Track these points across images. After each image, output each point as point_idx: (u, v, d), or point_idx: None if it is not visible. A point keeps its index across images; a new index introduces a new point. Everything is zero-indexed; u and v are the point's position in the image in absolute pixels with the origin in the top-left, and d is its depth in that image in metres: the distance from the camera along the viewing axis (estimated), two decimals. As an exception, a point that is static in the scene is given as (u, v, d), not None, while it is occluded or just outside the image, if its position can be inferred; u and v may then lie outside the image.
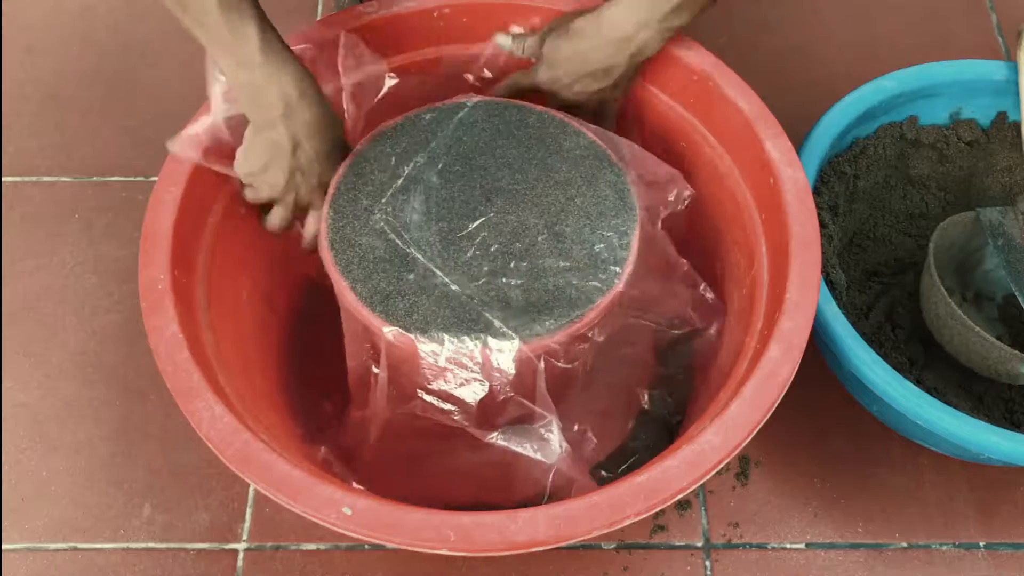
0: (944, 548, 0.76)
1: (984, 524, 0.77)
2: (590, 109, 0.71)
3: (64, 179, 0.96)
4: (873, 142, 0.81)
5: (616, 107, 0.72)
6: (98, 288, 0.89)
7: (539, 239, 0.64)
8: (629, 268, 0.63)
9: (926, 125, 0.82)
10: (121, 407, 0.82)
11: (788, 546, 0.76)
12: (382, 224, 0.64)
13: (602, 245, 0.63)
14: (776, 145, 0.65)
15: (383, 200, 0.65)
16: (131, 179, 0.96)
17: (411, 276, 0.62)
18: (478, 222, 0.64)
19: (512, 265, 0.63)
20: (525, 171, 0.66)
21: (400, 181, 0.66)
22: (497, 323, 0.59)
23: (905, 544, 0.76)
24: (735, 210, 0.70)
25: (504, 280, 0.62)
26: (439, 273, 0.62)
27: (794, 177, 0.64)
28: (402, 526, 0.51)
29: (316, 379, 0.79)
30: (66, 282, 0.89)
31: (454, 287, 0.62)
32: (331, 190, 0.65)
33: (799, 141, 0.74)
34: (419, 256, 0.63)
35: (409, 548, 0.51)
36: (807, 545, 0.76)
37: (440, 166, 0.67)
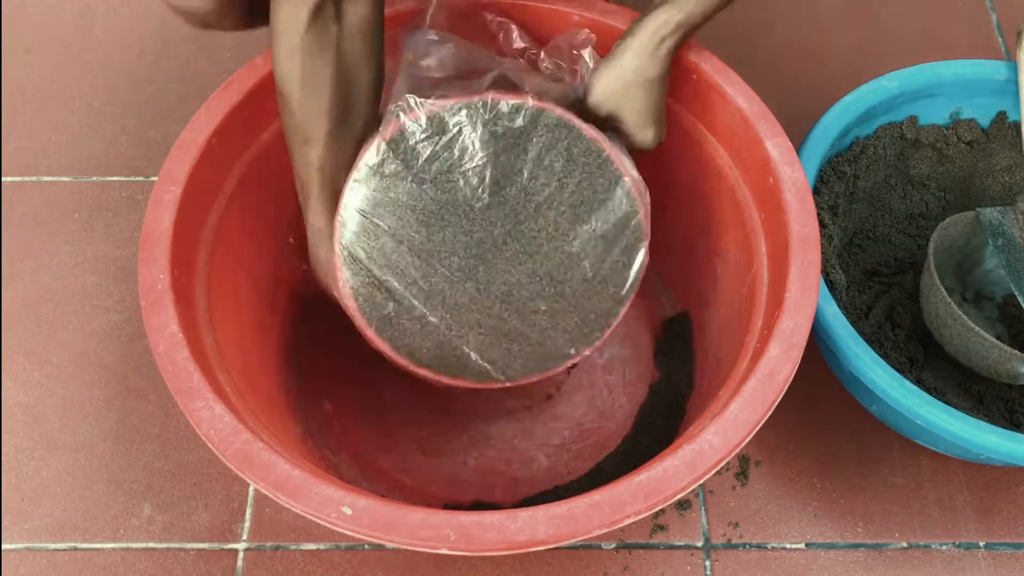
0: (944, 548, 0.76)
1: (984, 524, 0.77)
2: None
3: (64, 179, 0.96)
4: (873, 142, 0.81)
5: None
6: (98, 288, 0.89)
7: (541, 283, 0.66)
8: (617, 319, 0.69)
9: (926, 125, 0.82)
10: (121, 407, 0.82)
11: (788, 546, 0.76)
12: (392, 245, 0.63)
13: (598, 299, 0.67)
14: (776, 144, 0.65)
15: (396, 218, 0.62)
16: (131, 179, 0.96)
17: (407, 303, 0.64)
18: (483, 258, 0.64)
19: (508, 305, 0.66)
20: (541, 203, 0.64)
21: (419, 202, 0.62)
22: (480, 369, 0.68)
23: (905, 544, 0.76)
24: (735, 209, 0.70)
25: (496, 322, 0.66)
26: (436, 309, 0.65)
27: (794, 176, 0.64)
28: (402, 525, 0.51)
29: (316, 379, 0.80)
30: (66, 282, 0.89)
31: (446, 326, 0.65)
32: (342, 199, 0.62)
33: (799, 141, 0.75)
34: (418, 287, 0.64)
35: (409, 547, 0.51)
36: (807, 545, 0.76)
37: (459, 186, 0.63)
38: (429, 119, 0.60)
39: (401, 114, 0.60)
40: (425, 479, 0.76)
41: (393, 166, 0.60)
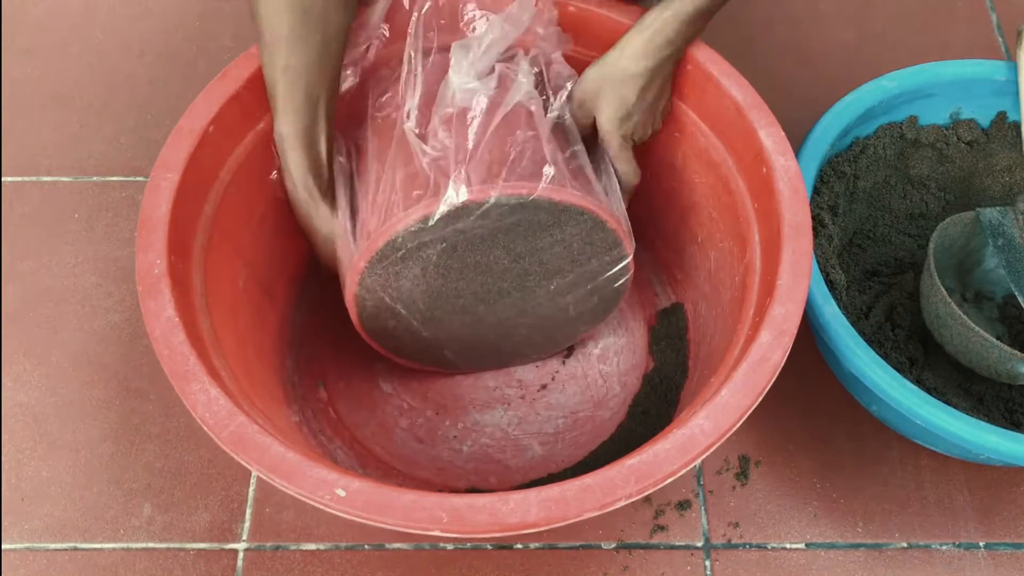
0: (944, 548, 0.76)
1: (984, 524, 0.77)
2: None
3: (64, 179, 0.96)
4: (873, 142, 0.81)
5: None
6: (98, 288, 0.89)
7: (527, 317, 0.73)
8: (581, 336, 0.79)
9: (926, 125, 0.82)
10: (121, 407, 0.82)
11: (788, 546, 0.76)
12: (410, 286, 0.66)
13: (571, 327, 0.76)
14: (769, 134, 0.66)
15: (421, 269, 0.65)
16: (131, 179, 0.96)
17: (406, 322, 0.70)
18: (485, 300, 0.70)
19: (493, 330, 0.73)
20: (551, 270, 0.68)
21: (446, 261, 0.65)
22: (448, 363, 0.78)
23: (905, 544, 0.76)
24: (728, 199, 0.71)
25: (478, 339, 0.74)
26: (430, 328, 0.71)
27: (786, 166, 0.64)
28: (395, 507, 0.51)
29: (312, 367, 0.80)
30: (66, 282, 0.89)
31: (435, 338, 0.73)
32: (378, 243, 0.63)
33: (799, 141, 0.75)
34: (421, 314, 0.69)
35: (402, 529, 0.51)
36: (807, 545, 0.76)
37: (487, 254, 0.66)
38: (475, 202, 0.60)
39: (453, 195, 0.60)
40: (420, 467, 0.77)
41: (430, 236, 0.62)
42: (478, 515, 0.51)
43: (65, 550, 0.76)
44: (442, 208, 0.60)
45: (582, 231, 0.65)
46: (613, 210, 0.66)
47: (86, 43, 1.06)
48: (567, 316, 0.74)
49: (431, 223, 0.61)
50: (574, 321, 0.75)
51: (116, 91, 1.02)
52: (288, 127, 0.64)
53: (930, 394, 0.68)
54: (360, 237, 0.65)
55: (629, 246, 0.68)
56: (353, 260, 0.64)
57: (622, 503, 0.51)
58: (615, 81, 0.65)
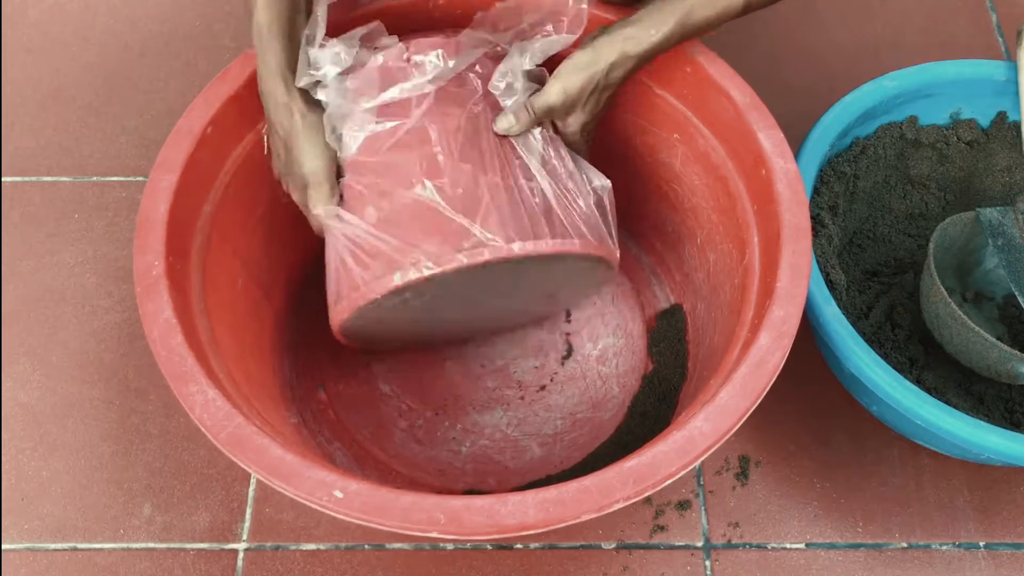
0: (944, 548, 0.76)
1: (984, 524, 0.77)
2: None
3: (64, 179, 0.96)
4: (873, 142, 0.81)
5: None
6: (98, 288, 0.89)
7: (511, 316, 0.78)
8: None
9: (926, 125, 0.82)
10: (121, 407, 0.82)
11: (788, 546, 0.76)
12: (393, 319, 0.67)
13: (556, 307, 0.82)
14: (768, 136, 0.66)
15: (403, 304, 0.63)
16: (131, 179, 0.96)
17: (394, 337, 0.74)
18: (466, 315, 0.73)
19: (477, 327, 0.78)
20: (529, 289, 0.71)
21: (424, 300, 0.64)
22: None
23: (905, 544, 0.76)
24: (728, 201, 0.71)
25: (464, 333, 0.79)
26: (417, 336, 0.77)
27: (785, 168, 0.64)
28: (393, 509, 0.51)
29: (311, 369, 0.81)
30: (66, 282, 0.89)
31: (423, 339, 0.78)
32: (346, 313, 0.62)
33: (799, 141, 0.75)
34: (408, 333, 0.74)
35: (400, 531, 0.51)
36: (807, 545, 0.76)
37: (463, 293, 0.65)
38: (439, 275, 0.59)
39: (425, 268, 0.59)
40: (418, 468, 0.77)
41: (402, 298, 0.61)
42: (476, 517, 0.51)
43: (65, 550, 0.76)
44: (407, 280, 0.59)
45: (565, 265, 0.65)
46: (593, 233, 0.63)
47: (86, 43, 1.06)
48: (559, 300, 0.79)
49: (397, 294, 0.60)
50: (567, 300, 0.81)
51: (116, 91, 1.02)
52: (265, 15, 0.61)
53: (930, 394, 0.68)
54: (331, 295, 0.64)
55: (614, 260, 0.66)
56: (331, 317, 0.64)
57: (620, 505, 0.51)
58: (599, 90, 0.65)
